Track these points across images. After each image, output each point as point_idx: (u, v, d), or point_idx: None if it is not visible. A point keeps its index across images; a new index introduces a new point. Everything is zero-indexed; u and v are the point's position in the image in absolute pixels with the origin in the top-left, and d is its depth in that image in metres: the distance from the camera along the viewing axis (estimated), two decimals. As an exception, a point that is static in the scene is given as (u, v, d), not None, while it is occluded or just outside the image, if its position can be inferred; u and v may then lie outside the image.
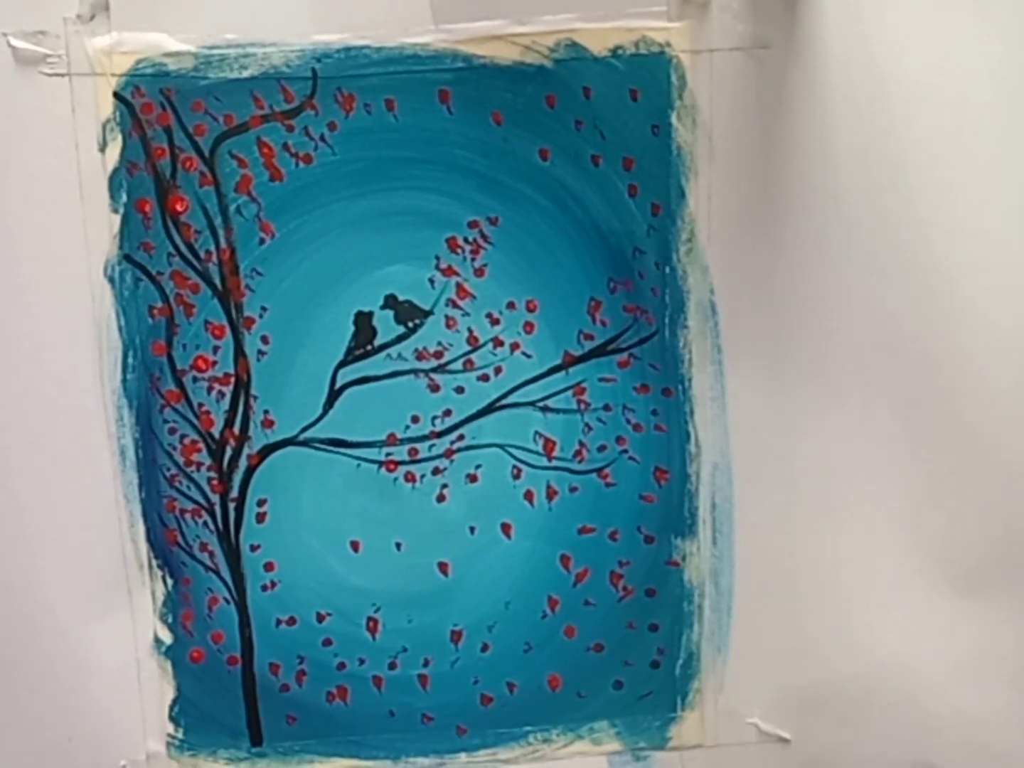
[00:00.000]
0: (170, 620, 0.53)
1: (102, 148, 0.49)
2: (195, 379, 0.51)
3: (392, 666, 0.54)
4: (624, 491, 0.53)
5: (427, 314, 0.52)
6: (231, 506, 0.52)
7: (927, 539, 0.50)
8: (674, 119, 0.49)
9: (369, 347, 0.52)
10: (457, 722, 0.55)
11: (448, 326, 0.52)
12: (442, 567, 0.53)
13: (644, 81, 0.49)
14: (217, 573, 0.53)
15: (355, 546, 0.53)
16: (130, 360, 0.50)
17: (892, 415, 0.50)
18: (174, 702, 0.53)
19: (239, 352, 0.51)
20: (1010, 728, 0.51)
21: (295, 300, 0.51)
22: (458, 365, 0.52)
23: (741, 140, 0.49)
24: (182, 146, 0.49)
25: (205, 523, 0.52)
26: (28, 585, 0.51)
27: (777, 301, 0.51)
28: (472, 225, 0.51)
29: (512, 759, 0.55)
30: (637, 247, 0.51)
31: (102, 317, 0.50)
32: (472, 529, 0.53)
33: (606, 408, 0.53)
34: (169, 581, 0.52)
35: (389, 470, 0.52)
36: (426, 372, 0.52)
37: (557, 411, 0.53)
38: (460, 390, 0.52)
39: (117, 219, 0.49)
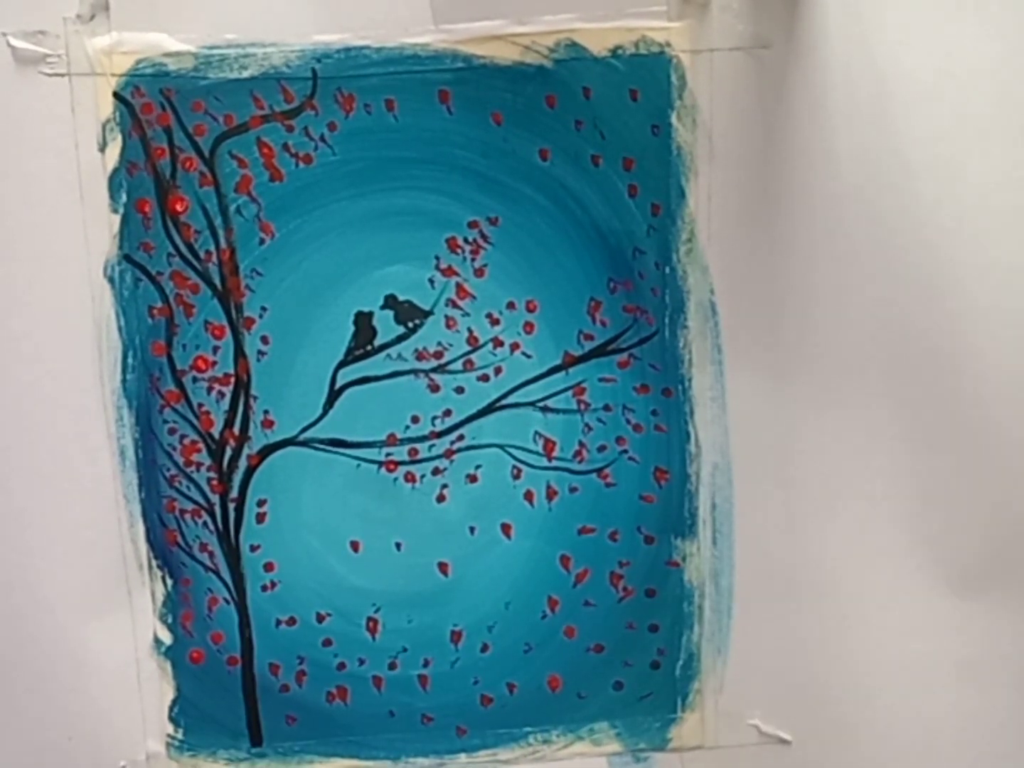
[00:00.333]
0: (170, 620, 0.53)
1: (102, 148, 0.49)
2: (195, 379, 0.51)
3: (392, 666, 0.54)
4: (624, 491, 0.53)
5: (427, 314, 0.52)
6: (231, 506, 0.52)
7: (927, 539, 0.50)
8: (674, 119, 0.49)
9: (369, 347, 0.52)
10: (457, 722, 0.54)
11: (448, 326, 0.52)
12: (442, 567, 0.53)
13: (644, 81, 0.49)
14: (217, 573, 0.53)
15: (355, 546, 0.53)
16: (130, 360, 0.50)
17: (892, 415, 0.50)
18: (174, 702, 0.53)
19: (239, 352, 0.51)
20: (1010, 729, 0.51)
21: (295, 300, 0.51)
22: (458, 365, 0.52)
23: (741, 140, 0.49)
24: (182, 146, 0.49)
25: (205, 523, 0.52)
26: (28, 585, 0.51)
27: (777, 301, 0.50)
28: (472, 225, 0.51)
29: (512, 760, 0.55)
30: (637, 247, 0.51)
31: (102, 317, 0.50)
32: (472, 529, 0.53)
33: (606, 408, 0.53)
34: (169, 581, 0.52)
35: (389, 470, 0.52)
36: (426, 372, 0.52)
37: (557, 411, 0.53)
38: (460, 390, 0.52)
39: (117, 219, 0.49)
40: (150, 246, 0.50)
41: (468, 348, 0.52)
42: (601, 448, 0.53)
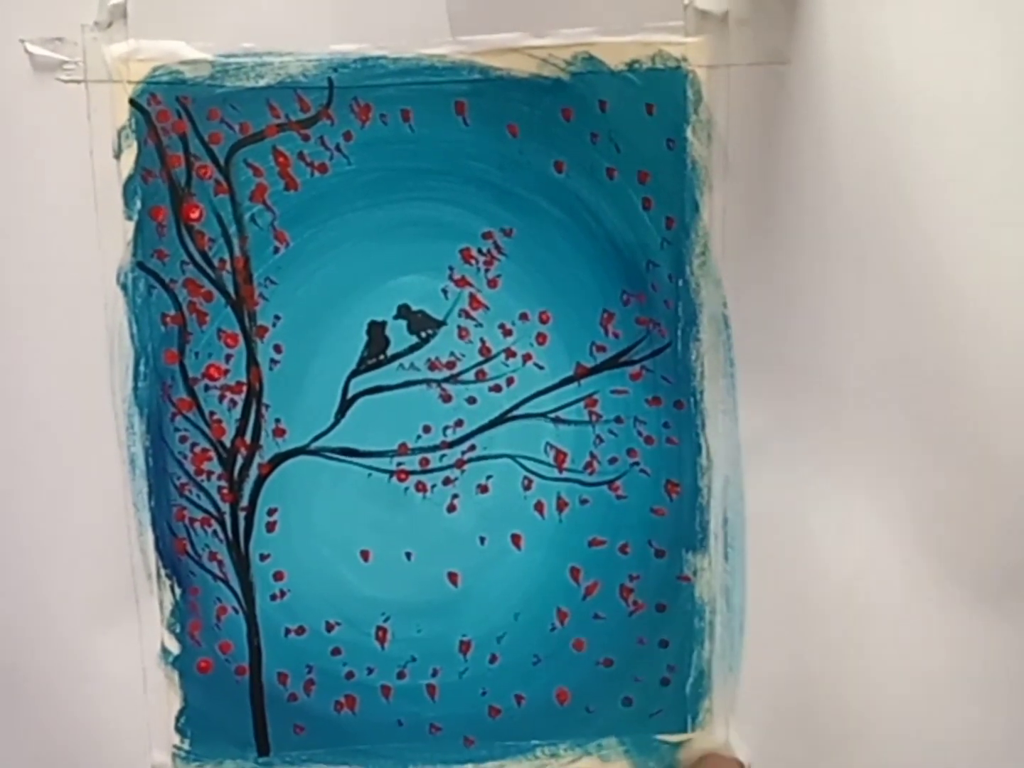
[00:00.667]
0: (178, 630, 0.52)
1: (117, 155, 0.48)
2: (207, 387, 0.51)
3: (401, 676, 0.54)
4: (635, 504, 0.53)
5: (440, 324, 0.52)
6: (241, 515, 0.52)
7: (942, 555, 0.50)
8: (689, 133, 0.50)
9: (382, 357, 0.51)
10: (465, 733, 0.54)
11: (461, 336, 0.52)
12: (452, 577, 0.53)
13: (660, 95, 0.49)
14: (226, 582, 0.52)
15: (365, 555, 0.53)
16: (142, 368, 0.50)
17: (906, 429, 0.49)
18: (181, 712, 0.53)
19: (251, 361, 0.51)
20: None
21: (308, 309, 0.51)
22: (470, 375, 0.52)
23: (756, 155, 0.49)
24: (197, 154, 0.49)
25: (215, 532, 0.52)
26: (35, 593, 0.50)
27: (789, 314, 0.51)
28: (486, 236, 0.51)
29: (519, 772, 0.55)
30: (651, 260, 0.51)
31: (114, 324, 0.50)
32: (482, 540, 0.53)
33: (618, 420, 0.53)
34: (177, 590, 0.52)
35: (400, 480, 0.52)
36: (438, 382, 0.52)
37: (569, 422, 0.53)
38: (472, 400, 0.52)
39: (131, 226, 0.49)
40: (164, 254, 0.50)
41: (481, 358, 0.52)
42: (612, 460, 0.53)
